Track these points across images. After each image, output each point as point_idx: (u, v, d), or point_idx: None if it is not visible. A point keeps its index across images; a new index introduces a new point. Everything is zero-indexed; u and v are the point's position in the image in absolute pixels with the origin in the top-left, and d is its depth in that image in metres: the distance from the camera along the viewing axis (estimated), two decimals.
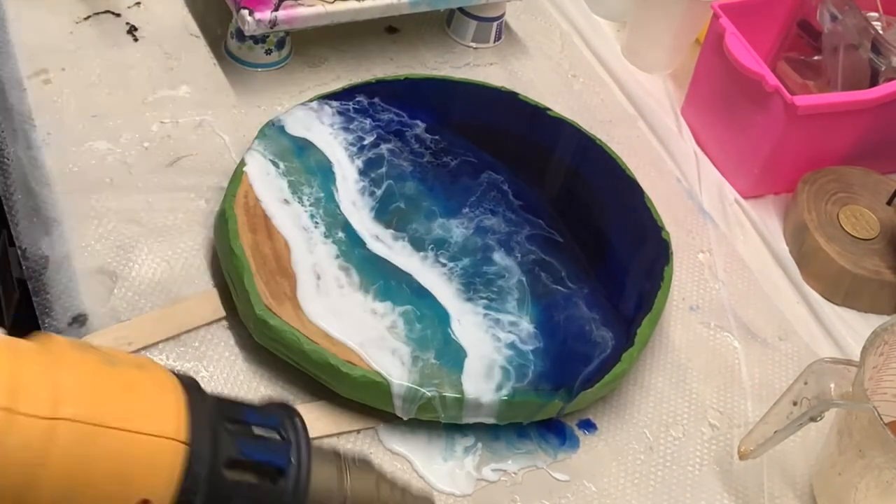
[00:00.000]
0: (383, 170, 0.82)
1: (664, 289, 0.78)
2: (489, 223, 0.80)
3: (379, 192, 0.80)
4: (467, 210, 0.81)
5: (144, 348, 0.71)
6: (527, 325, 0.73)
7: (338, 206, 0.78)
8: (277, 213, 0.76)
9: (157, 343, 0.71)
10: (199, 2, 0.98)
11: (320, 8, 0.87)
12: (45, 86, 0.87)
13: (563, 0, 1.12)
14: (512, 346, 0.72)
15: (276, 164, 0.79)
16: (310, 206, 0.77)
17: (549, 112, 0.90)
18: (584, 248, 0.80)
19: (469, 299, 0.74)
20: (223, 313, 0.74)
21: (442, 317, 0.73)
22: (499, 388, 0.69)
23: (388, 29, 1.02)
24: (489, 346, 0.72)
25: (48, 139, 0.83)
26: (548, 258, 0.79)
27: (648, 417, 0.76)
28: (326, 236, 0.76)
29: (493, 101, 0.91)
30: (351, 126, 0.84)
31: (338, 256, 0.75)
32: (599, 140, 0.89)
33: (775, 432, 0.68)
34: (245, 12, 0.85)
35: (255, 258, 0.72)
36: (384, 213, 0.79)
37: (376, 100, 0.87)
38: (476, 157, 0.85)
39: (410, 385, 0.68)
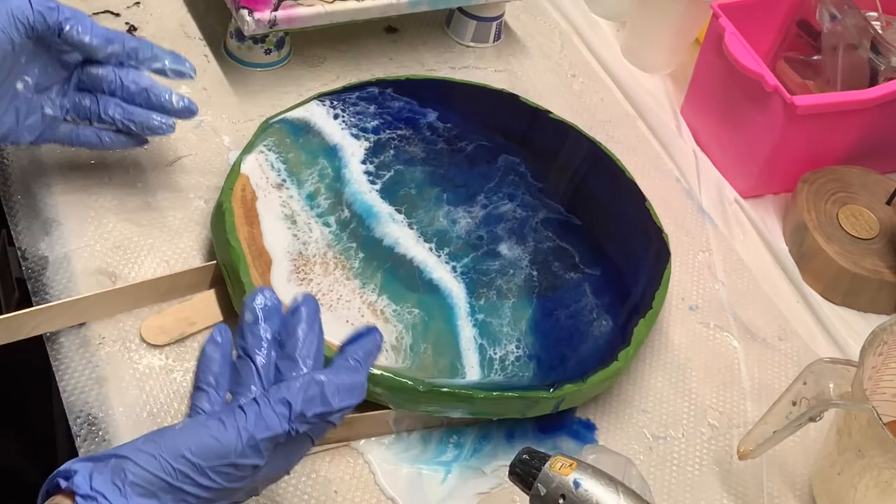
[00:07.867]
0: (390, 155, 0.83)
1: (662, 289, 0.78)
2: (504, 209, 0.81)
3: (380, 183, 0.81)
4: (482, 198, 0.82)
5: (207, 328, 0.71)
6: (521, 334, 0.73)
7: (344, 203, 0.78)
8: (270, 211, 0.76)
9: (215, 324, 0.71)
10: (199, 2, 0.98)
11: (320, 8, 0.87)
12: None
13: (563, 0, 1.12)
14: (504, 347, 0.72)
15: (273, 158, 0.80)
16: (310, 207, 0.78)
17: (549, 114, 0.90)
18: (584, 250, 0.80)
19: (467, 303, 0.74)
20: None
21: (445, 308, 0.73)
22: (489, 382, 0.69)
23: (388, 29, 1.02)
24: (482, 346, 0.72)
25: None
26: (552, 258, 0.79)
27: (648, 417, 0.76)
28: (325, 226, 0.76)
29: (494, 103, 0.90)
30: (356, 119, 0.85)
31: (326, 252, 0.75)
32: (599, 143, 0.89)
33: (774, 432, 0.68)
34: (244, 12, 0.85)
35: (251, 250, 0.73)
36: (393, 197, 0.80)
37: (389, 90, 0.88)
38: (490, 142, 0.86)
39: (401, 378, 0.68)
